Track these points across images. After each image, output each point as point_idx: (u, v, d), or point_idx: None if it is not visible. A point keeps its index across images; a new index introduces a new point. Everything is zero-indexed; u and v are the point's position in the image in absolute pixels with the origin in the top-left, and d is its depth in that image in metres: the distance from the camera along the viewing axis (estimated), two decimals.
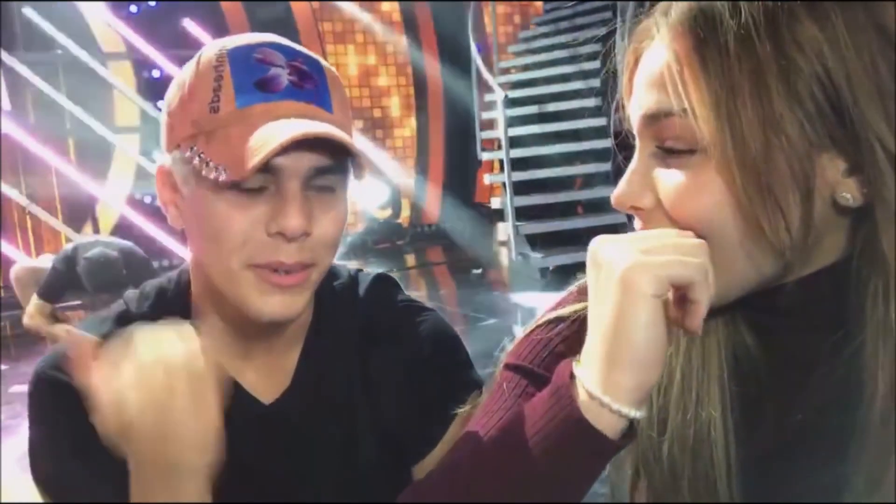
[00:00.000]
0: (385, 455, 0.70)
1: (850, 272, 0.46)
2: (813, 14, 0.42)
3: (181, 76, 0.62)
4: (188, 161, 0.59)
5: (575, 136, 5.41)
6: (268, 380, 0.68)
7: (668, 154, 0.47)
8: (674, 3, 0.47)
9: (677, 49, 0.45)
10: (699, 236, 0.46)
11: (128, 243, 3.61)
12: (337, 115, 0.61)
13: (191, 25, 6.16)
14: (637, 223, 0.50)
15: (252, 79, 0.59)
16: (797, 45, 0.42)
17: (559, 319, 0.56)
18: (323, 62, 0.64)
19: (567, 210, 5.35)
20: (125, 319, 0.68)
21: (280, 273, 0.60)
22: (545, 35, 6.51)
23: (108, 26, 5.93)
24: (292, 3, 6.90)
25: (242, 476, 0.67)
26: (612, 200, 0.50)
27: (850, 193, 0.44)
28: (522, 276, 4.97)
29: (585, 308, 0.56)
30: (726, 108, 0.43)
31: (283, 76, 0.59)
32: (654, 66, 0.47)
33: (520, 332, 0.59)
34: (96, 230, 5.85)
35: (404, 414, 0.69)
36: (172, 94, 0.62)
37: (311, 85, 0.61)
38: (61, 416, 0.63)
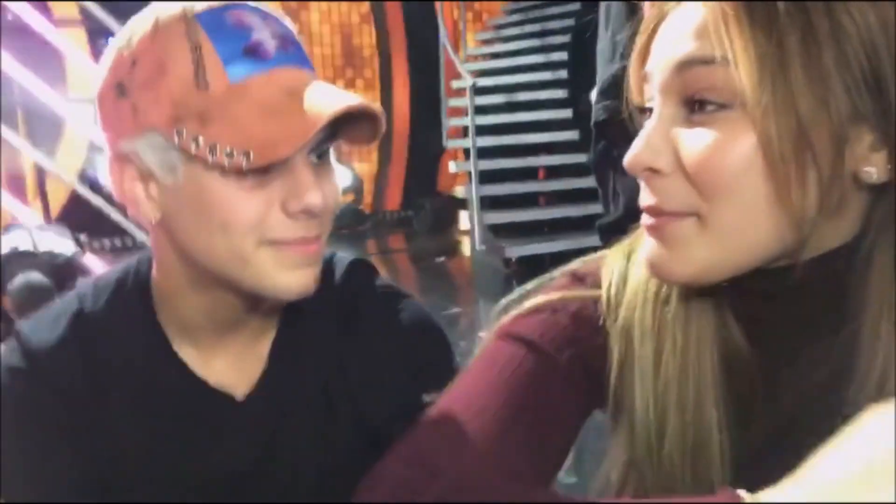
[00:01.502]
0: (364, 448, 0.67)
1: (855, 256, 0.45)
2: None
3: (131, 50, 0.56)
4: (176, 147, 0.54)
5: (541, 126, 5.42)
6: (238, 371, 0.65)
7: (697, 110, 0.45)
8: None
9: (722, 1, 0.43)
10: (721, 199, 0.44)
11: (62, 252, 3.37)
12: (316, 73, 0.59)
13: None
14: (645, 192, 0.48)
15: (238, 46, 0.54)
16: (846, 10, 0.41)
17: (563, 301, 0.55)
18: (285, 19, 0.61)
19: (531, 201, 5.37)
20: (79, 320, 0.63)
21: (299, 245, 0.57)
22: (514, 24, 6.49)
23: None
24: None
25: (217, 477, 0.64)
26: (626, 162, 0.48)
27: (874, 168, 0.43)
28: (485, 266, 4.97)
29: (590, 296, 0.55)
30: (773, 63, 0.42)
31: (269, 40, 0.56)
32: (692, 17, 0.45)
33: (513, 308, 0.57)
34: (45, 206, 5.64)
35: (384, 405, 0.66)
36: (123, 72, 0.56)
37: (293, 47, 0.57)
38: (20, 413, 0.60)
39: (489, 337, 0.56)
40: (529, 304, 0.56)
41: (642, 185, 0.48)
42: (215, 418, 0.64)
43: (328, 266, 0.70)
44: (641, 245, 0.51)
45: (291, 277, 0.58)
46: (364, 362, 0.67)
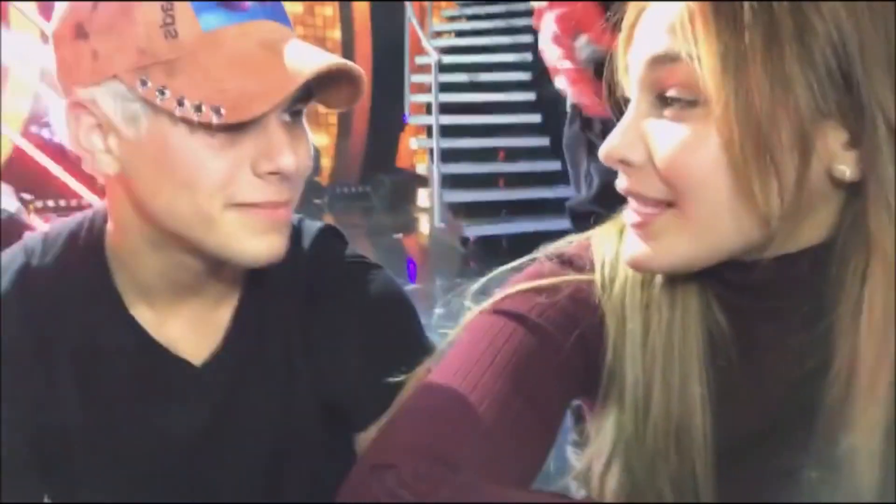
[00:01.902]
0: (327, 421, 0.66)
1: (831, 253, 0.46)
2: None
3: None
4: (141, 97, 0.50)
5: (504, 108, 5.43)
6: (197, 336, 0.63)
7: (668, 104, 0.45)
8: None
9: None
10: (690, 192, 0.45)
11: (5, 208, 3.24)
12: (294, 30, 0.56)
13: None
14: (623, 178, 0.49)
15: None
16: (815, 7, 0.41)
17: (555, 286, 0.54)
18: None
19: (491, 181, 5.38)
20: (24, 273, 0.60)
21: (268, 209, 0.54)
22: (481, 3, 6.45)
23: None
24: None
25: (168, 443, 0.62)
26: (602, 153, 0.49)
27: (846, 167, 0.43)
28: (442, 245, 4.97)
29: (584, 279, 0.55)
30: (735, 61, 0.42)
31: None
32: (666, 12, 0.45)
33: (505, 285, 0.56)
34: None
35: (349, 379, 0.64)
36: (84, 12, 0.52)
37: (271, 1, 0.55)
38: None
39: (475, 313, 0.55)
40: (521, 286, 0.55)
41: (619, 172, 0.49)
42: (170, 383, 0.62)
43: (295, 232, 0.67)
44: (625, 237, 0.52)
45: (259, 243, 0.55)
46: (328, 334, 0.65)
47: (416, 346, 0.67)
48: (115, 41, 0.51)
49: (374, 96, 7.42)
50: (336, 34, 7.39)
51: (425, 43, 5.30)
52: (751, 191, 0.43)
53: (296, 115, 0.56)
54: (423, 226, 5.86)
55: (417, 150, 6.24)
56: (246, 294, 0.64)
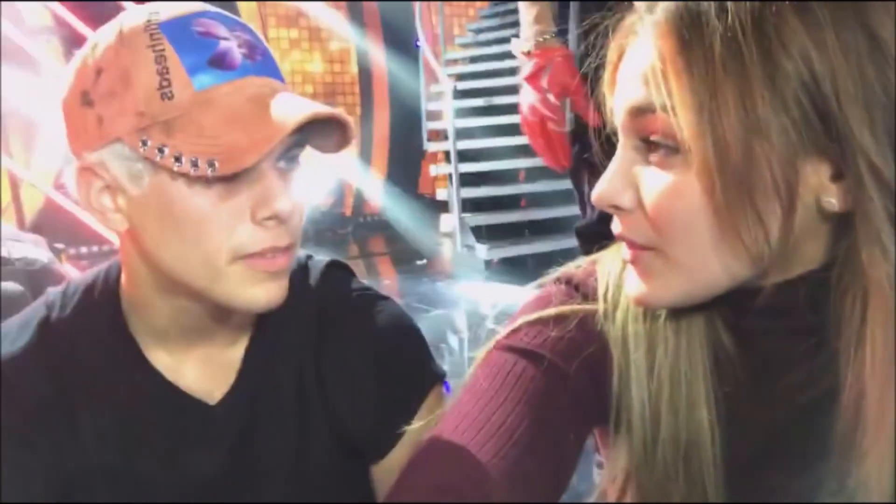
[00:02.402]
0: (342, 455, 0.67)
1: (829, 280, 0.45)
2: (801, 17, 0.41)
3: (96, 59, 0.56)
4: (143, 157, 0.54)
5: (521, 129, 5.44)
6: (210, 377, 0.65)
7: (653, 150, 0.46)
8: (658, 0, 0.46)
9: (662, 48, 0.44)
10: (676, 237, 0.45)
11: (38, 258, 3.34)
12: (286, 82, 0.59)
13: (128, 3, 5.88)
14: (615, 223, 0.49)
15: (203, 56, 0.54)
16: (784, 49, 0.41)
17: (561, 315, 0.55)
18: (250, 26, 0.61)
19: (512, 203, 5.38)
20: (45, 328, 0.63)
21: (268, 258, 0.57)
22: (492, 28, 6.52)
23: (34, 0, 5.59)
24: None
25: (189, 484, 0.64)
26: (593, 198, 0.49)
27: (833, 199, 0.43)
28: (466, 268, 4.97)
29: (587, 310, 0.55)
30: (709, 112, 0.42)
31: (235, 50, 0.56)
32: (639, 62, 0.46)
33: (513, 318, 0.57)
34: (20, 213, 5.54)
35: (362, 411, 0.66)
36: (88, 81, 0.55)
37: (261, 56, 0.57)
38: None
39: (489, 348, 0.55)
40: (530, 317, 0.55)
41: (614, 216, 0.50)
42: (188, 424, 0.64)
43: (303, 269, 0.70)
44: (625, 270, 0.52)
45: (260, 291, 0.58)
46: (339, 367, 0.67)
47: (426, 375, 0.69)
48: (117, 106, 0.54)
49: (393, 126, 7.52)
50: (353, 68, 7.53)
51: (438, 71, 5.37)
52: (737, 235, 0.43)
53: (291, 161, 0.59)
54: (447, 251, 5.88)
55: (437, 175, 6.28)
56: (256, 333, 0.66)
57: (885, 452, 0.43)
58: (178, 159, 0.52)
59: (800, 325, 0.48)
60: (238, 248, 0.56)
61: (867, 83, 0.41)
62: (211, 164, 0.51)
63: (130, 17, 0.56)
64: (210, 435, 0.64)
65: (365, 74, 7.51)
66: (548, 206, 5.06)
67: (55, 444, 0.62)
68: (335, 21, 7.26)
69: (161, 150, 0.53)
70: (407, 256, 5.90)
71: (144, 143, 0.53)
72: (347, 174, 7.43)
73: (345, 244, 6.70)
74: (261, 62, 0.57)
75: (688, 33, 0.43)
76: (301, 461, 0.66)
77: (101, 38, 0.57)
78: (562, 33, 1.20)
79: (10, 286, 3.10)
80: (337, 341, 0.68)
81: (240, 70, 0.55)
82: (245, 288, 0.57)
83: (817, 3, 0.41)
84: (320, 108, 0.55)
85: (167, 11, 0.56)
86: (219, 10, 0.59)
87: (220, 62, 0.55)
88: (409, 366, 0.69)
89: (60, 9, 5.55)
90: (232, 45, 0.56)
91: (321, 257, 0.73)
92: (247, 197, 0.55)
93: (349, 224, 7.26)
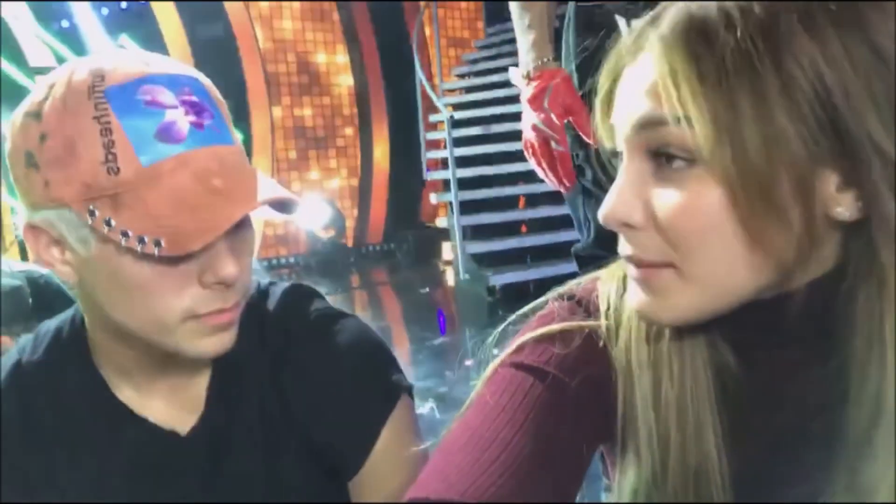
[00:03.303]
0: (316, 475, 0.67)
1: (838, 284, 0.46)
2: (809, 30, 0.42)
3: (39, 122, 0.54)
4: (89, 225, 0.54)
5: (519, 156, 5.48)
6: (179, 410, 0.66)
7: (662, 164, 0.45)
8: (662, 14, 0.47)
9: (672, 60, 0.44)
10: (694, 252, 0.45)
11: (37, 269, 3.44)
12: (235, 142, 0.59)
13: (127, 42, 5.99)
14: (623, 241, 0.49)
15: (150, 129, 0.53)
16: (795, 61, 0.42)
17: (565, 332, 0.55)
18: (198, 76, 0.59)
19: (512, 229, 5.41)
20: (17, 371, 0.65)
21: (214, 316, 0.58)
22: (488, 58, 6.62)
23: (37, 40, 5.70)
24: (232, 22, 6.80)
25: None
26: (601, 217, 0.48)
27: (843, 208, 0.44)
28: (469, 295, 4.98)
29: (591, 326, 0.55)
30: (726, 122, 0.42)
31: (181, 119, 0.54)
32: (644, 77, 0.46)
33: (517, 336, 0.56)
34: (23, 248, 5.56)
35: (329, 428, 0.66)
36: (32, 142, 0.54)
37: (208, 119, 0.57)
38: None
39: (494, 366, 0.55)
40: (533, 334, 0.55)
41: (620, 235, 0.49)
42: (160, 456, 0.64)
43: (262, 295, 0.70)
44: (628, 287, 0.52)
45: (209, 343, 0.59)
46: (302, 387, 0.67)
47: (392, 386, 0.68)
48: (62, 174, 0.53)
49: (393, 157, 7.59)
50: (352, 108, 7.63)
51: (436, 101, 5.44)
52: (762, 241, 0.43)
53: (242, 226, 0.58)
54: (450, 279, 5.89)
55: (438, 204, 6.32)
56: (217, 363, 0.66)
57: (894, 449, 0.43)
58: (124, 234, 0.52)
59: (801, 337, 0.48)
60: (187, 310, 0.57)
61: (875, 93, 0.42)
62: (157, 244, 0.52)
63: (75, 76, 0.54)
64: (182, 466, 0.65)
65: (363, 107, 7.61)
66: (548, 232, 5.09)
67: (29, 482, 0.63)
68: (333, 57, 7.38)
69: (108, 223, 0.53)
70: (409, 285, 5.91)
71: (92, 214, 0.53)
72: (348, 205, 7.48)
73: (347, 275, 6.72)
74: (208, 126, 0.56)
75: (697, 45, 0.43)
76: (273, 485, 0.66)
77: (44, 97, 0.55)
78: (559, 58, 1.22)
79: (8, 280, 3.15)
80: (298, 362, 0.67)
81: (186, 142, 0.54)
82: (195, 341, 0.59)
83: (821, 15, 0.42)
84: (263, 195, 0.56)
85: (112, 74, 0.54)
86: (163, 65, 0.57)
87: (165, 135, 0.53)
88: (372, 380, 0.68)
89: (62, 49, 5.66)
90: (178, 115, 0.55)
91: (283, 283, 0.74)
92: (194, 264, 0.56)
93: (351, 255, 7.28)
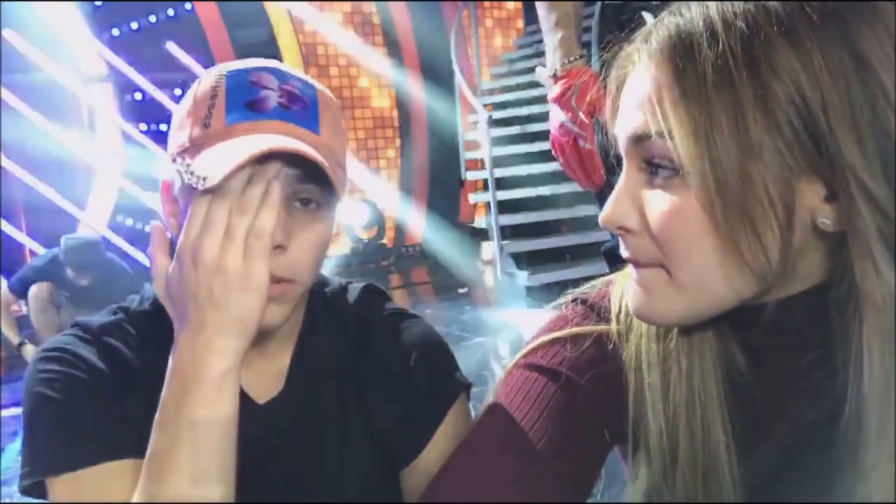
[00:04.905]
0: (374, 458, 0.72)
1: (829, 294, 0.46)
2: (790, 41, 0.43)
3: (186, 97, 0.66)
4: (177, 170, 0.62)
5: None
6: (261, 383, 0.71)
7: (655, 172, 0.47)
8: (653, 29, 0.48)
9: (657, 76, 0.46)
10: (680, 257, 0.47)
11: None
12: (324, 136, 0.64)
13: (173, 48, 6.17)
14: (623, 244, 0.51)
15: (243, 99, 0.62)
16: (774, 73, 0.42)
17: (577, 335, 0.57)
18: (319, 87, 0.67)
19: (551, 228, 5.38)
20: (128, 313, 0.72)
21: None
22: (526, 57, 6.59)
23: (90, 49, 5.91)
24: (274, 26, 6.93)
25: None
26: (600, 220, 0.51)
27: (827, 219, 0.44)
28: (508, 295, 4.97)
29: (602, 330, 0.57)
30: (704, 135, 0.43)
31: (273, 98, 0.63)
32: (637, 90, 0.48)
33: (530, 339, 0.58)
34: None
35: (393, 418, 0.72)
36: (177, 112, 0.66)
37: (299, 106, 0.63)
38: (74, 379, 0.65)
39: (510, 367, 0.57)
40: (548, 337, 0.57)
41: (619, 238, 0.51)
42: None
43: (343, 290, 0.78)
44: (629, 288, 0.53)
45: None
46: (374, 377, 0.73)
47: (452, 385, 0.74)
48: (180, 131, 0.64)
49: (432, 157, 7.63)
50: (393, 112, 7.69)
51: (474, 102, 5.44)
52: (739, 253, 0.44)
53: (306, 203, 0.63)
54: (489, 278, 5.89)
55: (477, 204, 6.32)
56: (299, 345, 0.72)
57: (887, 471, 0.43)
58: (192, 174, 0.58)
59: (804, 340, 0.48)
60: None
61: (855, 103, 0.42)
62: (203, 180, 0.56)
63: (215, 69, 0.66)
64: (253, 433, 0.67)
65: (403, 108, 7.67)
66: (586, 231, 5.04)
67: (136, 408, 0.66)
68: (373, 59, 7.46)
69: (187, 167, 0.59)
70: (448, 285, 5.93)
71: (180, 160, 0.61)
72: (388, 206, 7.55)
73: (387, 275, 6.78)
74: (296, 111, 0.63)
75: (681, 61, 0.45)
76: (340, 463, 0.71)
77: (195, 84, 0.66)
78: (585, 57, 1.22)
79: (89, 234, 3.54)
80: (371, 354, 0.74)
81: (268, 114, 0.62)
82: None
83: (803, 25, 0.43)
84: (279, 143, 0.58)
85: (240, 64, 0.65)
86: (287, 68, 0.66)
87: (253, 105, 0.62)
88: (436, 375, 0.74)
89: (113, 58, 5.86)
90: (272, 94, 0.63)
91: (360, 281, 0.81)
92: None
93: (391, 255, 7.35)
